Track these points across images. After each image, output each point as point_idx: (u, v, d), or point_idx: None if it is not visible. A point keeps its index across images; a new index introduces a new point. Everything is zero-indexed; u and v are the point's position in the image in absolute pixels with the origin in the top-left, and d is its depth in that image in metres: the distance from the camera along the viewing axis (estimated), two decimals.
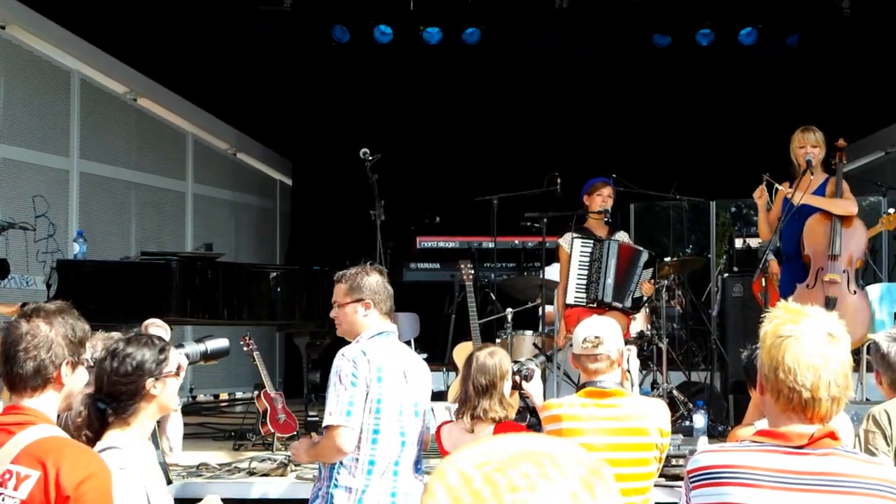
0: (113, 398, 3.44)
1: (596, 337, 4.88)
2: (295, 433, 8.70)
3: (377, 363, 4.66)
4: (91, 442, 3.42)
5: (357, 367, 4.64)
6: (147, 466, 3.42)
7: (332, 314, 4.96)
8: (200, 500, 3.82)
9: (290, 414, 8.75)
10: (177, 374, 3.58)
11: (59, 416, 3.33)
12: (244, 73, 12.72)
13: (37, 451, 2.99)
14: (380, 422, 4.68)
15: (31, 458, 2.97)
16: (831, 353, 2.69)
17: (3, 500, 2.96)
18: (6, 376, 3.18)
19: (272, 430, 8.33)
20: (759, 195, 7.63)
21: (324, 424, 4.70)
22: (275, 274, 9.29)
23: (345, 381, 4.63)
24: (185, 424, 6.59)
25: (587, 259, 8.39)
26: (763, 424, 2.93)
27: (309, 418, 9.01)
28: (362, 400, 4.63)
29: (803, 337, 2.69)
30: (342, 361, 4.68)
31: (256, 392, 8.64)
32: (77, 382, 3.24)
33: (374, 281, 4.86)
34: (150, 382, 3.45)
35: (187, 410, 9.34)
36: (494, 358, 5.23)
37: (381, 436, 4.68)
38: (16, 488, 2.96)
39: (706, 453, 2.87)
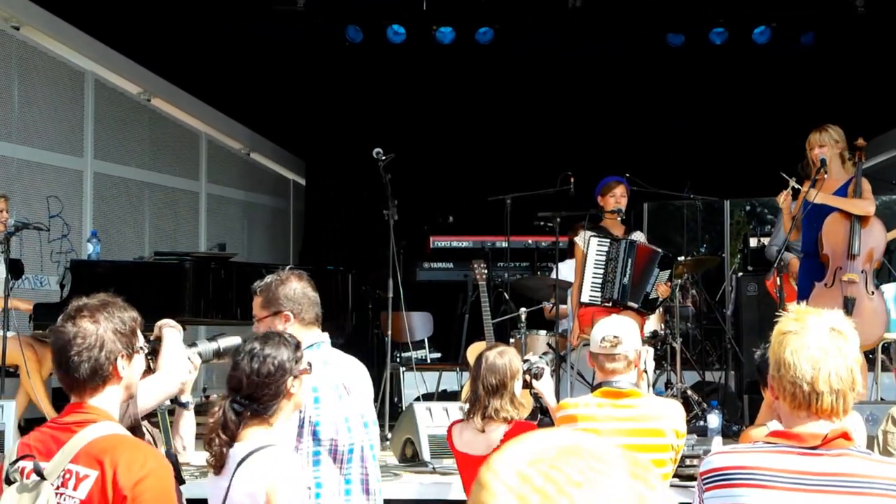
0: (254, 399, 3.56)
1: (615, 336, 4.87)
2: None
3: (310, 383, 4.05)
4: (227, 444, 3.54)
5: None
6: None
7: (254, 329, 4.39)
8: None
9: None
10: (309, 370, 3.71)
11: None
12: (258, 73, 12.72)
13: (95, 450, 2.94)
14: (320, 446, 4.18)
15: (90, 457, 2.93)
16: (832, 347, 2.70)
17: (63, 499, 2.92)
18: (63, 381, 3.12)
19: None
20: (784, 199, 7.59)
21: None
22: None
23: None
24: (198, 424, 6.56)
25: (603, 258, 8.35)
26: (776, 425, 2.99)
27: None
28: (294, 426, 4.15)
29: (804, 332, 2.71)
30: None
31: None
32: (136, 372, 3.19)
33: (291, 289, 4.38)
34: (290, 381, 3.59)
35: (200, 410, 9.27)
36: (504, 357, 5.20)
37: (322, 458, 4.20)
38: (75, 488, 2.92)
39: (719, 455, 2.88)
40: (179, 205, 12.20)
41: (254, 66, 12.57)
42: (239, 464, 3.51)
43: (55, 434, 3.04)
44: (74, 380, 3.05)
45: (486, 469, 1.37)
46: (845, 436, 2.70)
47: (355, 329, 9.93)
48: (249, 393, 3.57)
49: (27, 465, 2.97)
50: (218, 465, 3.60)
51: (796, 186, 7.49)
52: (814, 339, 2.70)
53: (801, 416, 2.73)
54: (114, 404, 3.13)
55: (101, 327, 3.04)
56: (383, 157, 8.33)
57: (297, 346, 3.70)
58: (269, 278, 4.45)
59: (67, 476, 2.93)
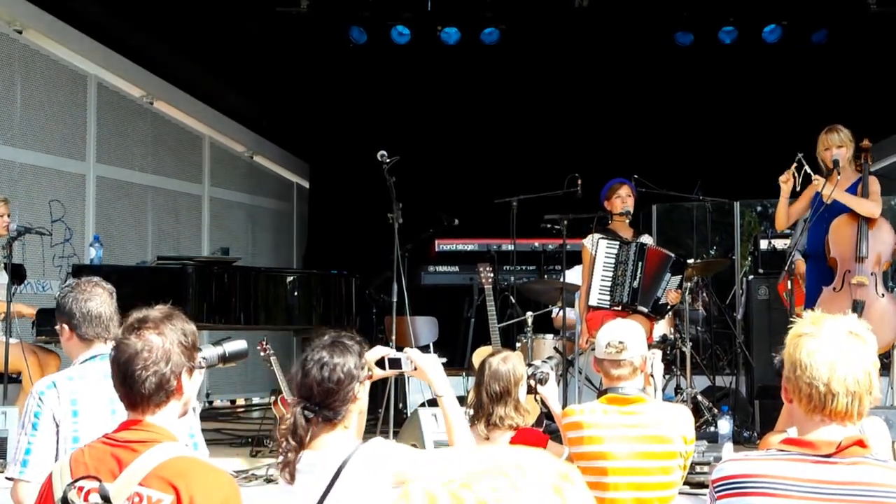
0: (324, 406, 3.64)
1: (620, 342, 4.78)
2: None
3: (70, 395, 3.90)
4: (296, 450, 3.64)
5: (42, 405, 3.93)
6: None
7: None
8: None
9: None
10: (371, 376, 3.82)
11: None
12: (261, 75, 12.64)
13: (168, 472, 2.80)
14: None
15: (162, 480, 2.79)
16: (849, 349, 2.67)
17: None
18: (125, 397, 2.98)
19: None
20: (786, 179, 7.48)
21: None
22: (291, 278, 9.21)
23: (26, 424, 3.94)
24: (202, 430, 6.48)
25: (612, 260, 8.24)
26: (794, 431, 2.89)
27: None
28: (49, 444, 3.92)
29: (820, 334, 2.69)
30: (28, 398, 4.01)
31: (273, 398, 8.58)
32: (194, 387, 3.09)
33: (69, 301, 4.18)
34: (357, 387, 3.68)
35: (204, 416, 9.23)
36: (508, 363, 5.12)
37: None
38: None
39: (731, 462, 2.83)
40: (182, 208, 12.14)
41: (257, 69, 12.49)
42: (341, 467, 3.60)
43: (115, 452, 2.90)
44: (139, 395, 2.94)
45: (401, 492, 1.41)
46: (860, 443, 2.67)
47: (359, 333, 9.74)
48: (320, 400, 3.66)
49: (88, 485, 2.81)
50: (289, 471, 3.67)
51: (807, 170, 7.38)
52: (830, 341, 2.68)
53: (815, 419, 2.70)
54: (173, 422, 3.02)
55: (167, 340, 2.95)
56: (387, 160, 8.27)
57: (361, 352, 3.79)
58: (68, 288, 4.27)
59: (137, 500, 2.80)
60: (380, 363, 3.92)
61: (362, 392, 3.72)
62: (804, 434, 2.74)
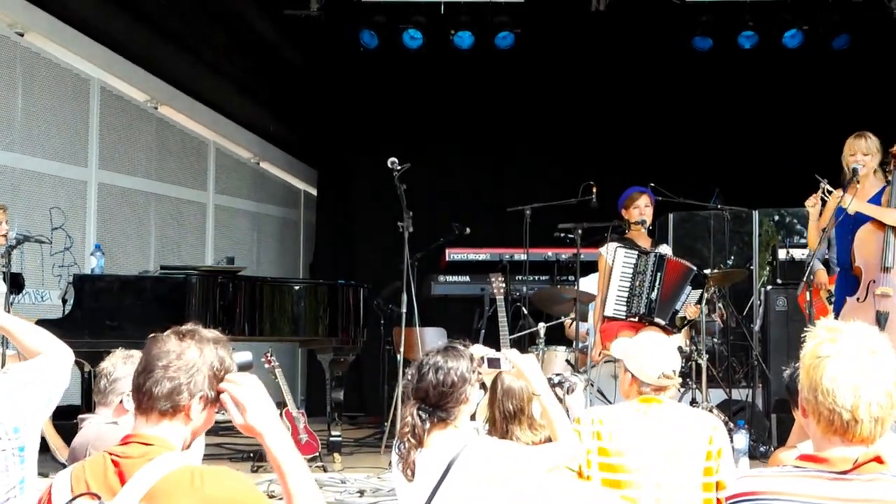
0: (438, 407, 4.03)
1: (674, 372, 4.71)
2: (317, 454, 8.48)
3: None
4: (415, 447, 4.02)
5: None
6: None
7: None
8: None
9: (312, 434, 8.56)
10: (479, 379, 4.20)
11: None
12: (268, 79, 12.47)
13: (169, 486, 2.66)
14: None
15: (165, 494, 2.65)
16: (872, 371, 2.60)
17: None
18: (137, 391, 2.85)
19: None
20: (813, 203, 7.28)
21: None
22: (298, 288, 9.04)
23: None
24: (204, 444, 6.30)
25: (630, 270, 8.04)
26: (806, 446, 2.89)
27: (332, 438, 8.80)
28: None
29: (841, 355, 2.61)
30: None
31: (278, 411, 8.36)
32: (205, 423, 2.91)
33: None
34: (468, 389, 4.05)
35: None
36: (521, 380, 4.92)
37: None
38: None
39: (746, 479, 2.77)
40: (186, 216, 11.96)
41: (265, 73, 12.32)
42: (451, 464, 3.92)
43: (115, 467, 2.76)
44: (149, 393, 2.82)
45: None
46: (878, 459, 2.61)
47: (367, 345, 9.69)
48: (435, 402, 4.03)
49: (87, 503, 2.68)
50: (409, 469, 4.03)
51: (829, 189, 7.17)
52: (853, 365, 2.59)
53: (834, 440, 2.64)
54: (177, 439, 2.84)
55: (202, 358, 2.85)
56: (398, 167, 8.17)
57: (472, 356, 4.13)
58: None
59: None
60: (479, 363, 4.20)
61: (473, 394, 4.08)
62: (821, 451, 2.68)
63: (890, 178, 7.23)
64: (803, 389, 2.69)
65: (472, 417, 4.62)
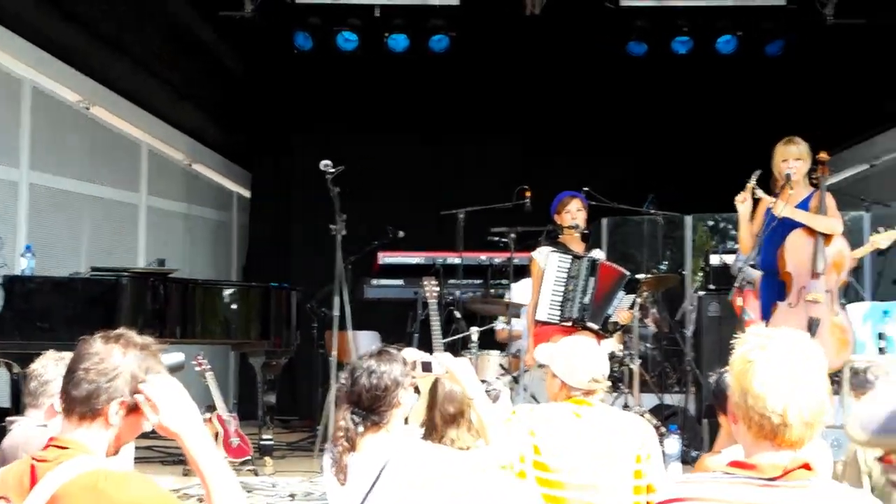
0: (371, 411, 4.05)
1: (603, 376, 4.74)
2: (248, 457, 8.42)
3: None
4: (348, 451, 4.02)
5: None
6: None
7: None
8: None
9: (244, 437, 8.50)
10: (413, 383, 4.19)
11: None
12: (202, 80, 12.35)
13: (75, 489, 2.63)
14: None
15: (70, 497, 2.63)
16: (802, 376, 2.61)
17: None
18: (62, 394, 2.85)
19: (224, 455, 7.99)
20: (743, 199, 7.31)
21: None
22: (230, 290, 9.01)
23: None
24: (134, 448, 6.23)
25: (564, 275, 8.01)
26: (733, 451, 2.96)
27: (263, 441, 8.73)
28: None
29: (772, 360, 2.63)
30: None
31: (208, 414, 8.42)
32: (132, 430, 2.87)
33: None
34: (401, 393, 4.07)
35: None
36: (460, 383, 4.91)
37: None
38: None
39: (676, 484, 2.79)
40: (118, 218, 11.78)
41: (198, 74, 12.20)
42: (383, 468, 3.92)
43: (32, 470, 2.74)
44: (69, 395, 2.82)
45: None
46: (806, 466, 2.63)
47: (300, 348, 9.65)
48: (368, 406, 4.05)
49: None
50: (341, 473, 4.03)
51: (757, 190, 7.22)
52: (784, 369, 2.61)
53: (764, 445, 2.66)
54: (97, 443, 2.80)
55: (124, 362, 2.82)
56: (331, 170, 8.12)
57: (405, 360, 4.16)
58: None
59: None
60: (412, 367, 4.21)
61: (405, 398, 4.09)
62: (750, 457, 2.68)
63: (818, 183, 7.32)
64: (734, 394, 2.70)
65: (406, 421, 4.61)
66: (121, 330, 2.90)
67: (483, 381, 5.21)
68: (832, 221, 7.19)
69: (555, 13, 11.48)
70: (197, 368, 8.35)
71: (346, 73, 12.51)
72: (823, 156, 7.36)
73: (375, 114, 12.78)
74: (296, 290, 9.41)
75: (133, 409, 2.82)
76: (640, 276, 8.73)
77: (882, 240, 7.90)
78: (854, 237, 8.67)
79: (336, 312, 8.36)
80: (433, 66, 12.30)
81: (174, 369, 3.71)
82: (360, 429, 4.06)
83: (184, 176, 13.06)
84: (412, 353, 4.35)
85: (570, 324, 7.97)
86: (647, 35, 12.00)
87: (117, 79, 11.46)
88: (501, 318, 9.52)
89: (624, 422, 4.75)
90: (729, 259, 9.64)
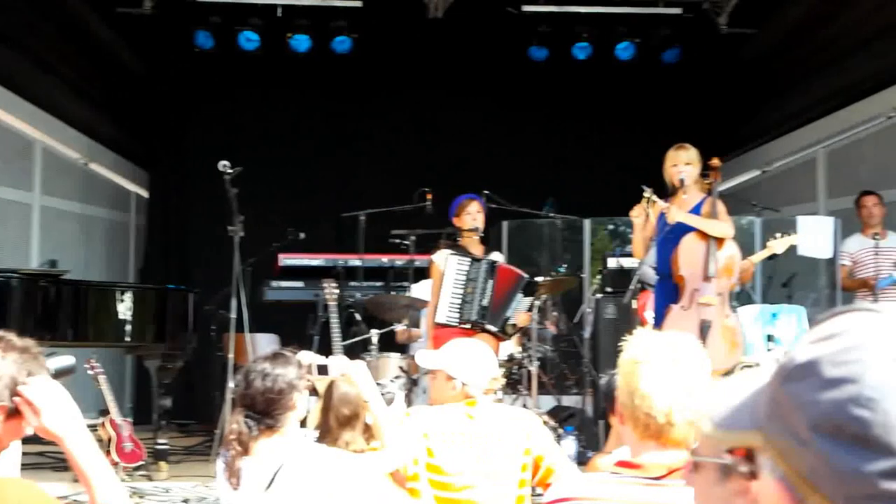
0: (266, 414, 4.00)
1: (496, 375, 4.87)
2: (142, 462, 8.28)
3: None
4: (241, 455, 3.98)
5: None
6: None
7: None
8: None
9: (137, 442, 8.34)
10: (311, 385, 4.21)
11: None
12: (100, 78, 12.14)
13: None
14: None
15: None
16: (686, 377, 2.65)
17: None
18: None
19: (117, 460, 7.91)
20: (638, 213, 7.39)
21: None
22: (124, 292, 8.84)
23: None
24: (24, 453, 6.04)
25: (463, 277, 8.02)
26: (623, 451, 2.88)
27: (158, 446, 8.59)
28: None
29: (657, 362, 2.68)
30: None
31: (101, 419, 8.23)
32: (10, 434, 2.75)
33: None
34: (296, 396, 4.03)
35: (26, 438, 8.68)
36: (356, 386, 4.89)
37: None
38: None
39: (564, 483, 2.85)
40: (10, 217, 11.50)
41: (95, 71, 11.99)
42: (277, 472, 3.91)
43: None
44: None
45: None
46: None
47: (199, 351, 9.52)
48: (262, 409, 4.00)
49: None
50: (234, 476, 3.99)
51: (653, 199, 7.29)
52: (669, 370, 2.66)
53: (650, 445, 2.71)
54: None
55: (2, 367, 2.69)
56: (230, 171, 8.03)
57: (300, 363, 4.13)
58: None
59: None
60: (308, 370, 4.22)
61: (300, 401, 4.06)
62: (636, 456, 2.73)
63: (710, 188, 7.43)
64: (621, 395, 2.74)
65: (304, 424, 4.58)
66: (0, 332, 2.80)
67: (378, 384, 5.22)
68: (723, 226, 7.29)
69: (457, 17, 11.50)
70: (90, 372, 8.18)
71: (247, 73, 12.41)
72: (715, 162, 7.45)
73: (277, 114, 12.69)
74: (193, 292, 9.30)
75: (13, 414, 2.72)
76: (539, 278, 8.77)
77: (778, 245, 8.06)
78: (746, 241, 8.84)
79: (233, 315, 8.28)
80: (336, 67, 12.24)
81: (64, 373, 3.64)
82: (255, 432, 4.01)
83: (80, 175, 12.80)
84: (308, 356, 4.33)
85: (468, 326, 7.98)
86: (548, 40, 12.08)
87: (10, 76, 11.19)
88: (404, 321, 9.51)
89: (510, 417, 4.79)
90: (626, 262, 9.73)
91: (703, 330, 7.00)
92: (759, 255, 8.34)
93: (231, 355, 8.32)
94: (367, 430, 4.88)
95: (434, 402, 4.91)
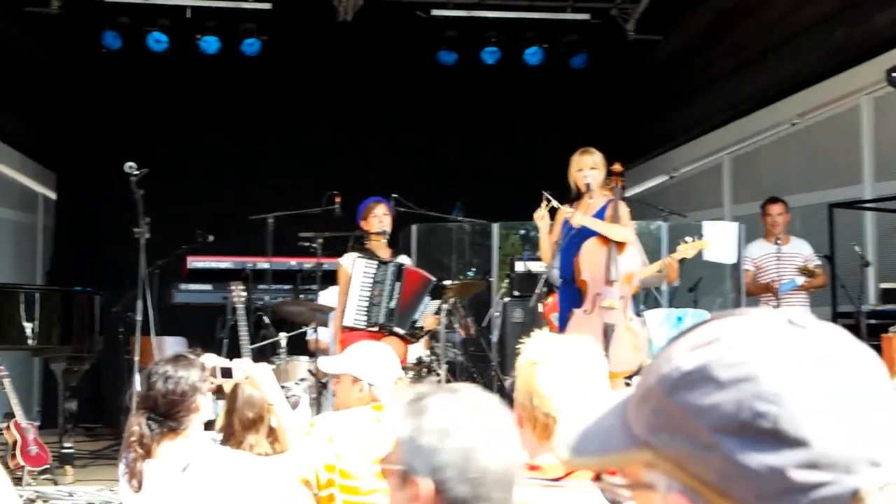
0: (168, 416, 3.97)
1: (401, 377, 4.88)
2: (47, 466, 8.18)
3: None
4: (143, 457, 3.94)
5: None
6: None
7: None
8: None
9: (43, 446, 8.25)
10: (214, 387, 4.20)
11: None
12: (6, 77, 11.95)
13: None
14: None
15: None
16: (584, 378, 2.69)
17: None
18: None
19: (22, 464, 7.80)
20: (541, 217, 7.49)
21: None
22: (29, 294, 8.72)
23: None
24: None
25: (370, 280, 8.05)
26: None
27: (63, 450, 8.49)
28: None
29: (554, 363, 2.72)
30: None
31: (6, 422, 8.12)
32: None
33: None
34: (199, 398, 4.03)
35: None
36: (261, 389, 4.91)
37: None
38: None
39: None
40: None
41: (2, 71, 11.80)
42: (181, 474, 3.90)
43: None
44: None
45: None
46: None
47: (106, 354, 9.42)
48: (165, 411, 3.97)
49: None
50: (135, 479, 3.96)
51: (555, 204, 7.39)
52: (567, 371, 2.70)
53: (548, 446, 2.70)
54: None
55: None
56: (136, 172, 7.93)
57: (203, 366, 4.12)
58: None
59: None
60: (211, 373, 4.20)
61: (203, 403, 4.05)
62: (534, 458, 2.74)
63: (613, 194, 7.53)
64: (519, 397, 2.78)
65: (211, 427, 4.58)
66: None
67: (283, 388, 5.22)
68: (625, 230, 7.38)
69: (367, 20, 11.52)
70: None
71: (156, 74, 12.30)
72: (618, 167, 7.55)
73: (185, 116, 12.61)
74: (100, 294, 9.21)
75: None
76: (447, 282, 8.83)
77: (689, 249, 8.16)
78: (653, 246, 8.97)
79: (139, 317, 8.22)
80: (245, 70, 12.19)
81: None
82: (157, 434, 3.99)
83: None
84: (211, 359, 4.33)
85: (376, 329, 8.01)
86: (457, 45, 12.14)
87: None
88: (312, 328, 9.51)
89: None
90: (533, 266, 9.81)
91: (607, 333, 7.09)
92: (676, 256, 8.41)
93: (137, 358, 8.25)
94: (272, 433, 4.90)
95: (340, 406, 4.90)
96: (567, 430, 1.19)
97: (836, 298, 9.14)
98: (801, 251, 9.31)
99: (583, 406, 1.23)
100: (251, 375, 4.35)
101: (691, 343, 1.07)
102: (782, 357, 1.01)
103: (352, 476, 4.59)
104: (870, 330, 8.12)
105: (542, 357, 2.74)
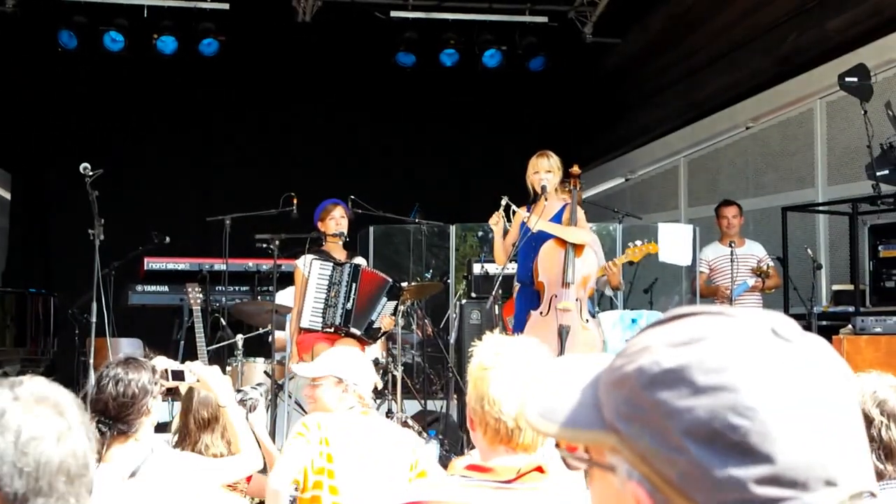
0: (119, 420, 3.88)
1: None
2: None
3: None
4: (95, 460, 3.53)
5: None
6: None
7: None
8: None
9: None
10: (164, 390, 4.12)
11: None
12: None
13: None
14: None
15: None
16: (534, 379, 2.55)
17: None
18: None
19: None
20: (497, 220, 7.53)
21: None
22: None
23: None
24: None
25: (326, 282, 8.04)
26: (475, 456, 2.90)
27: None
28: None
29: (506, 367, 2.69)
30: None
31: None
32: None
33: None
34: (150, 401, 3.93)
35: None
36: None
37: None
38: None
39: (413, 488, 2.99)
40: None
41: None
42: (131, 478, 3.81)
43: None
44: None
45: None
46: (540, 469, 2.67)
47: (61, 356, 9.35)
48: (115, 414, 3.88)
49: None
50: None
51: (513, 207, 7.42)
52: (518, 375, 2.68)
53: (499, 449, 2.73)
54: None
55: None
56: (90, 173, 7.87)
57: (154, 368, 4.04)
58: None
59: None
60: (162, 375, 4.13)
61: (153, 406, 3.96)
62: (486, 460, 2.74)
63: (570, 196, 7.57)
64: (471, 400, 2.77)
65: (166, 428, 4.57)
66: None
67: (239, 391, 5.21)
68: (581, 233, 7.43)
69: (326, 21, 11.51)
70: None
71: (112, 74, 12.22)
72: (575, 169, 7.59)
73: (142, 116, 12.55)
74: (55, 295, 9.15)
75: None
76: (404, 283, 8.84)
77: (637, 252, 8.21)
78: (608, 248, 9.01)
79: (93, 319, 8.17)
80: (202, 70, 12.15)
81: None
82: (108, 438, 3.92)
83: None
84: (163, 362, 4.30)
85: (332, 330, 8.01)
86: (415, 46, 12.15)
87: None
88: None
89: (399, 433, 4.88)
90: (491, 268, 9.84)
91: (562, 335, 7.13)
92: (620, 260, 8.47)
93: (92, 360, 8.20)
94: (226, 433, 4.89)
95: (320, 410, 4.90)
96: (538, 395, 1.20)
97: (789, 300, 9.23)
98: (755, 253, 9.41)
99: (557, 374, 1.22)
100: (202, 378, 4.32)
101: (673, 338, 1.08)
102: (762, 372, 1.02)
103: (336, 478, 4.59)
104: (821, 331, 8.18)
105: (492, 361, 2.73)
